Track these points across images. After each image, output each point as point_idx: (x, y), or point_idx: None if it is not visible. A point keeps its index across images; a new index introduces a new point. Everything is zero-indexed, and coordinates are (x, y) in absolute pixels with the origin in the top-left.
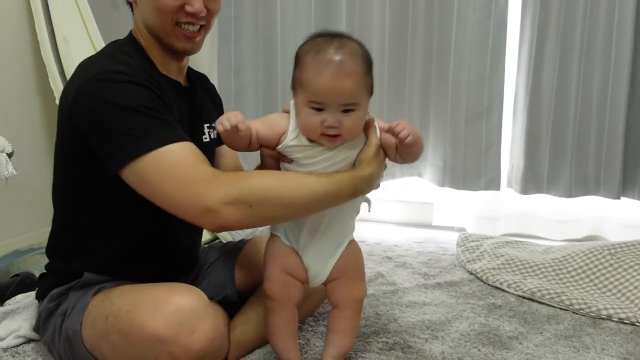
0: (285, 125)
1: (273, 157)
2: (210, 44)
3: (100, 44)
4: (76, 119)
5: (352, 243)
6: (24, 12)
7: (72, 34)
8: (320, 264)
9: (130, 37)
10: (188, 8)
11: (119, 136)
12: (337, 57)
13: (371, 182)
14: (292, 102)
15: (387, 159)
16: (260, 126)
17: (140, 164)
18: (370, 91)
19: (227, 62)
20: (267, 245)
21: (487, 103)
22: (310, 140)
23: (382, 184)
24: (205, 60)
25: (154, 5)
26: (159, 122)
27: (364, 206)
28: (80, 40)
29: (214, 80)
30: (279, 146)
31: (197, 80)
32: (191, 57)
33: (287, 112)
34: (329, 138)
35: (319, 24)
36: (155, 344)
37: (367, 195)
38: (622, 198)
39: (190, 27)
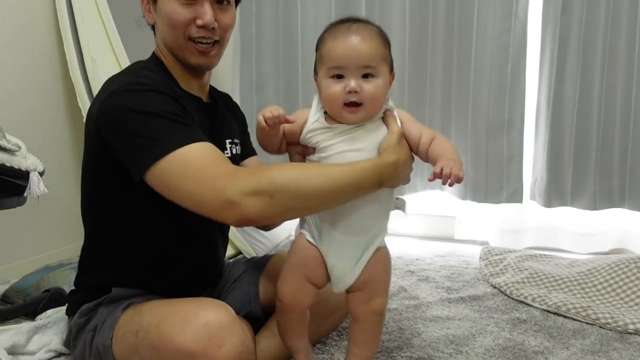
0: (306, 115)
1: (300, 154)
2: (232, 60)
3: (127, 64)
4: (101, 131)
5: (382, 251)
6: (53, 33)
7: (100, 54)
8: (344, 265)
9: (153, 56)
10: (198, 21)
11: (140, 140)
12: (352, 28)
13: (396, 170)
14: (315, 96)
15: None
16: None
17: (161, 165)
18: (389, 65)
19: (249, 78)
20: (292, 244)
21: (508, 115)
22: (329, 124)
23: (404, 197)
24: (227, 76)
25: (168, 21)
26: (179, 125)
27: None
28: (107, 60)
29: (236, 96)
30: (301, 135)
31: (220, 97)
32: (214, 74)
33: None
34: (350, 109)
35: None
36: (184, 357)
37: (402, 198)
38: None
39: (204, 41)
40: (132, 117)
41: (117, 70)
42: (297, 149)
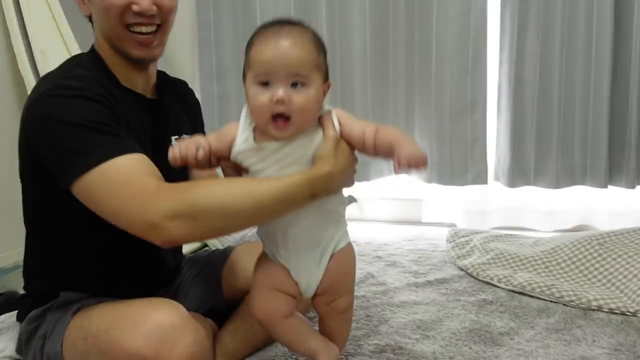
0: (234, 132)
1: (232, 169)
2: (190, 49)
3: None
4: (29, 138)
5: (341, 253)
6: None
7: (49, 46)
8: (307, 276)
9: (92, 51)
10: (134, 7)
11: (66, 152)
12: (283, 32)
13: (331, 181)
14: (243, 107)
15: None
16: (213, 139)
17: (86, 179)
18: (323, 72)
19: (209, 67)
20: (257, 264)
21: (471, 97)
22: (262, 141)
23: (371, 182)
24: (187, 65)
25: (102, 8)
26: (106, 135)
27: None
28: (58, 52)
29: (196, 86)
30: (232, 155)
31: (170, 88)
32: (173, 63)
33: None
34: (278, 123)
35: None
36: None
37: (355, 196)
38: (609, 186)
39: (143, 29)
40: (57, 128)
41: None
42: (230, 164)
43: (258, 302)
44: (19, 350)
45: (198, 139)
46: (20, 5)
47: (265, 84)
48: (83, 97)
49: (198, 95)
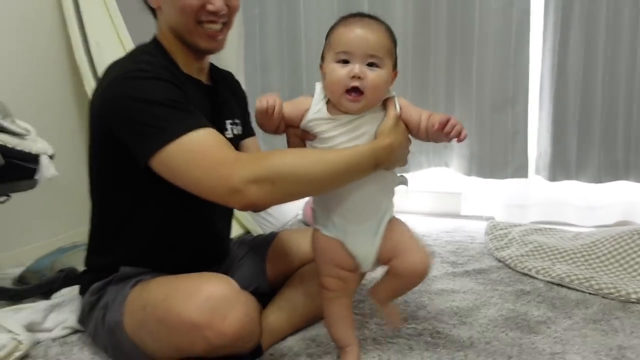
0: (308, 103)
1: (298, 137)
2: (237, 42)
3: (130, 46)
4: (106, 119)
5: (393, 220)
6: (57, 18)
7: (104, 38)
8: (364, 247)
9: (154, 40)
10: (209, 7)
11: (145, 128)
12: (363, 20)
13: (392, 153)
14: (317, 84)
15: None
16: (287, 106)
17: (166, 152)
18: (393, 60)
19: (253, 59)
20: (312, 242)
21: (512, 90)
22: (331, 115)
23: (410, 174)
24: (232, 58)
25: (177, 6)
26: (181, 112)
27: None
28: (112, 44)
29: (240, 77)
30: (302, 122)
31: (221, 78)
32: (219, 55)
33: None
34: (351, 97)
35: None
36: (190, 329)
37: (404, 176)
38: None
39: (213, 26)
40: (135, 106)
41: (122, 53)
42: (296, 131)
43: (329, 278)
44: (81, 320)
45: (277, 97)
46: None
47: (344, 61)
48: (157, 78)
49: (243, 87)
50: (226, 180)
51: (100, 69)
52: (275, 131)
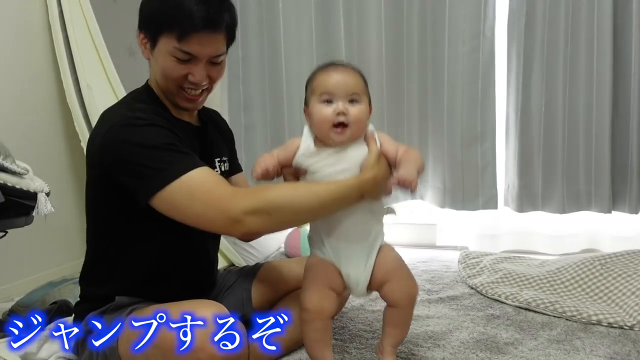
0: (297, 143)
1: (292, 174)
2: (220, 83)
3: (120, 89)
4: (105, 163)
5: (384, 247)
6: (50, 62)
7: (95, 81)
8: (357, 270)
9: (146, 86)
10: (191, 78)
11: (146, 170)
12: (340, 67)
13: (375, 185)
14: (305, 127)
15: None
16: (279, 152)
17: (167, 191)
18: (368, 97)
19: (237, 99)
20: (307, 262)
21: (480, 127)
22: (318, 149)
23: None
24: (216, 98)
25: (162, 72)
26: (178, 154)
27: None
28: (102, 86)
29: (224, 116)
30: (294, 160)
31: (208, 118)
32: None
33: None
34: (338, 131)
35: (321, 62)
36: (184, 354)
37: (392, 207)
38: (612, 212)
39: (193, 92)
40: (135, 150)
41: (111, 96)
42: (290, 170)
43: (311, 297)
44: (74, 349)
45: (268, 155)
46: (70, 43)
47: (328, 101)
48: (153, 125)
49: None
50: (226, 213)
51: (91, 110)
52: (276, 176)
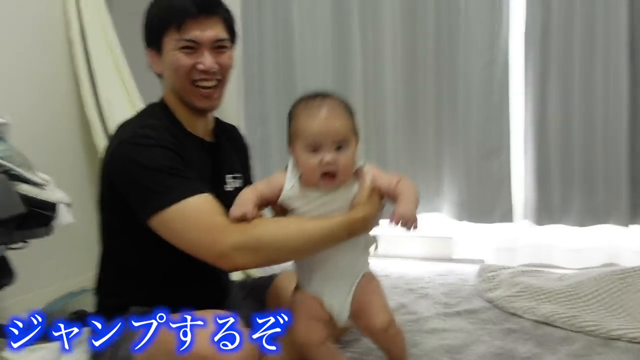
0: (282, 180)
1: (280, 211)
2: (237, 97)
3: (139, 104)
4: (113, 177)
5: (364, 276)
6: (70, 75)
7: (114, 95)
8: (339, 303)
9: (161, 102)
10: (199, 66)
11: (146, 192)
12: (324, 106)
13: (366, 223)
14: (290, 161)
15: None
16: (263, 187)
17: (164, 215)
18: (356, 134)
19: (253, 113)
20: (292, 296)
21: (496, 141)
22: (306, 189)
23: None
24: (233, 112)
25: (172, 68)
26: (179, 179)
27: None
28: (122, 101)
29: (241, 130)
30: (279, 199)
31: (224, 133)
32: (221, 110)
33: None
34: (326, 179)
35: (337, 77)
36: None
37: (375, 236)
38: (630, 226)
39: (206, 84)
40: (139, 170)
41: (130, 110)
42: (277, 208)
43: (298, 331)
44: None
45: (251, 192)
46: (90, 58)
47: (314, 149)
48: (159, 146)
49: None
50: (215, 245)
51: (110, 124)
52: (260, 210)
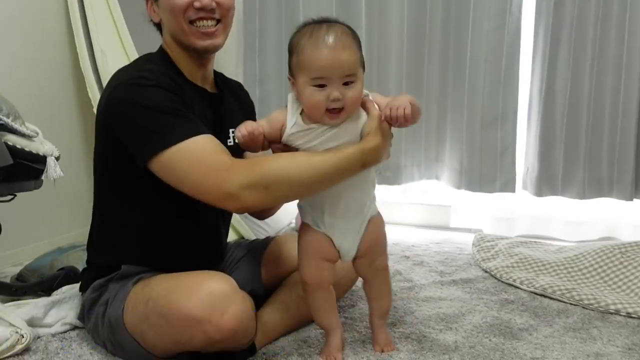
0: (283, 117)
1: (282, 151)
2: (236, 55)
3: (135, 56)
4: (109, 121)
5: (375, 219)
6: (64, 27)
7: (109, 46)
8: (349, 241)
9: (160, 49)
10: (196, 4)
11: (145, 132)
12: (331, 35)
13: (379, 153)
14: (289, 95)
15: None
16: (265, 125)
17: (165, 156)
18: (363, 65)
19: (252, 72)
20: (300, 234)
21: (502, 108)
22: (310, 124)
23: (401, 186)
24: (231, 70)
25: (168, 9)
26: (180, 118)
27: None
28: (116, 52)
29: None
30: (282, 138)
31: (227, 87)
32: (219, 67)
33: None
34: (332, 114)
35: None
36: (190, 323)
37: (381, 167)
38: (634, 200)
39: (205, 23)
40: (137, 111)
41: (125, 62)
42: (280, 147)
43: (309, 269)
44: (80, 317)
45: (254, 122)
46: (85, 8)
47: (320, 84)
48: (158, 87)
49: None
50: (222, 186)
51: (105, 76)
52: (262, 149)
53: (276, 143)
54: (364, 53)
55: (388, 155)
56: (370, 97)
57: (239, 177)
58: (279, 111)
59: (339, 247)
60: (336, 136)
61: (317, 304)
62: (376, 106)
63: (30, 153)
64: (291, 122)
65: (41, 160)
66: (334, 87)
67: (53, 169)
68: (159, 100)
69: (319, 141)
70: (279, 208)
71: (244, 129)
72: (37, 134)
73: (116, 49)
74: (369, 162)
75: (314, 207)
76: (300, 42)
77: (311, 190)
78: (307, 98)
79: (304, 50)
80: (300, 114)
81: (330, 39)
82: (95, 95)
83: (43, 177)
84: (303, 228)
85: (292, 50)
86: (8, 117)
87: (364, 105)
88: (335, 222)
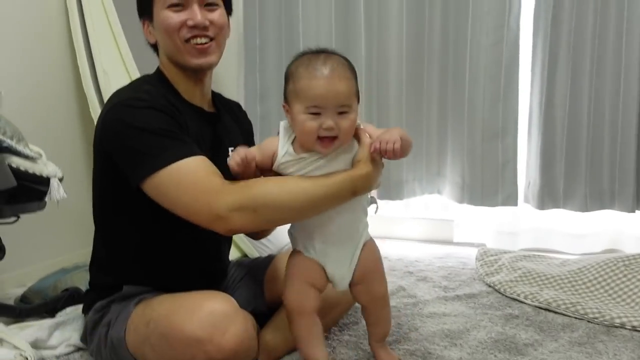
0: (275, 145)
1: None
2: (237, 72)
3: (137, 76)
4: (104, 142)
5: (368, 244)
6: (67, 47)
7: (111, 67)
8: (342, 269)
9: (157, 70)
10: (189, 22)
11: (137, 154)
12: (328, 66)
13: (369, 181)
14: (281, 123)
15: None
16: (257, 153)
17: (157, 178)
18: (358, 96)
19: (253, 88)
20: (289, 260)
21: (502, 122)
22: (302, 153)
23: (403, 201)
24: (232, 87)
25: (163, 29)
26: (173, 140)
27: (371, 208)
28: (119, 72)
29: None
30: (274, 166)
31: (225, 106)
32: (220, 84)
33: None
34: (324, 143)
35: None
36: (191, 344)
37: (374, 197)
38: (636, 211)
39: (199, 40)
40: (130, 132)
41: (127, 82)
42: (271, 173)
43: (291, 294)
44: (83, 338)
45: (247, 149)
46: (87, 29)
47: (314, 112)
48: (152, 108)
49: None
50: (211, 208)
51: (107, 96)
52: (254, 176)
53: (267, 171)
54: (363, 68)
55: (378, 184)
56: (363, 127)
57: (228, 199)
58: (271, 139)
59: (332, 275)
60: (327, 166)
61: (300, 332)
62: (367, 135)
63: (33, 175)
64: (282, 150)
65: (45, 182)
66: (328, 115)
67: (56, 191)
68: (152, 122)
69: (309, 170)
70: (272, 230)
71: (237, 157)
72: (41, 155)
73: (118, 69)
74: (359, 189)
75: (305, 234)
76: (297, 70)
77: (300, 215)
78: (300, 125)
79: (301, 79)
80: (292, 143)
81: (327, 69)
82: (97, 116)
83: (47, 199)
84: (294, 255)
85: (288, 78)
86: (12, 140)
87: (356, 134)
88: (326, 248)
